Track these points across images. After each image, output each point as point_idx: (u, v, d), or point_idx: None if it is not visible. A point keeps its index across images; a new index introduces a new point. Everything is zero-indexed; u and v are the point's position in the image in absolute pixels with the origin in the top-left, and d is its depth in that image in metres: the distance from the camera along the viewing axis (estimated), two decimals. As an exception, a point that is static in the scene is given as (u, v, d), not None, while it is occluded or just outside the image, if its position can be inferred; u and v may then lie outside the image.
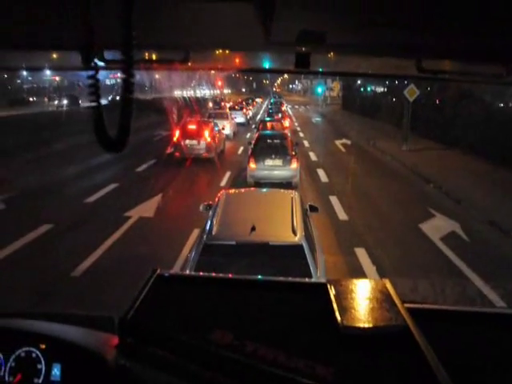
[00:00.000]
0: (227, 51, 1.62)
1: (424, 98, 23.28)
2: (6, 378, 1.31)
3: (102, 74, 0.90)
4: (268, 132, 16.59)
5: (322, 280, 1.54)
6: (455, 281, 6.51)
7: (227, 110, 27.52)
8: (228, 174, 14.04)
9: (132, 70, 0.79)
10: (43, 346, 1.32)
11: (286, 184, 11.71)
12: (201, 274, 1.88)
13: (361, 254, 7.44)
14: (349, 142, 21.84)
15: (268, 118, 24.86)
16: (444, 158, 17.11)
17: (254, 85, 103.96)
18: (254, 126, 26.25)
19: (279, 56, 1.87)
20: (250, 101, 48.35)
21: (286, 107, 41.86)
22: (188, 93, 51.31)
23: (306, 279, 3.56)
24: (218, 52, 1.61)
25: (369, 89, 46.43)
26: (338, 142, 21.90)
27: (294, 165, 12.25)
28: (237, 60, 1.89)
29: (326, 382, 1.08)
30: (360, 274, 6.54)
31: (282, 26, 1.13)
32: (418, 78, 1.63)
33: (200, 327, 1.29)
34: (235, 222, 5.03)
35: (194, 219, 7.90)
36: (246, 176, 12.42)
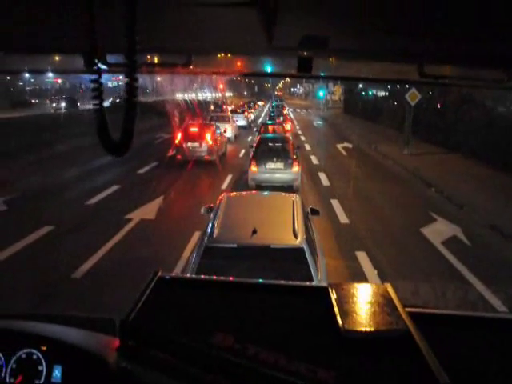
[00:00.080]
0: (229, 55, 1.62)
1: (425, 102, 23.29)
2: (7, 380, 1.31)
3: (104, 77, 0.91)
4: (269, 135, 16.60)
5: (324, 284, 1.54)
6: (456, 285, 6.50)
7: (229, 113, 27.56)
8: (229, 176, 14.05)
9: (135, 73, 0.80)
10: (44, 348, 1.32)
11: (288, 187, 11.71)
12: (202, 276, 1.87)
13: (362, 257, 7.43)
14: (350, 146, 21.84)
15: (269, 122, 24.90)
16: (445, 163, 17.11)
17: (256, 88, 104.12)
18: (255, 129, 26.27)
19: (281, 60, 1.87)
20: (252, 104, 48.44)
21: (287, 110, 41.90)
22: (190, 96, 51.40)
23: (308, 283, 3.56)
24: (220, 56, 1.62)
25: (370, 93, 46.44)
26: (339, 146, 21.90)
27: (296, 168, 12.25)
28: (238, 64, 1.89)
29: None
30: (361, 277, 6.54)
31: (285, 30, 1.13)
32: (420, 83, 1.64)
33: (201, 330, 1.29)
34: (236, 225, 5.03)
35: (195, 222, 7.90)
36: (248, 179, 12.43)
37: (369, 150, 21.01)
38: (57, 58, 1.73)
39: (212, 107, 38.30)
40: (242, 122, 29.78)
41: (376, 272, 6.80)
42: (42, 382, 1.30)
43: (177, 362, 1.20)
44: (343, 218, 9.83)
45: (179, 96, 46.99)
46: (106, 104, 0.86)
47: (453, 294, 6.04)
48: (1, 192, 10.97)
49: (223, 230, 4.71)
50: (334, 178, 14.31)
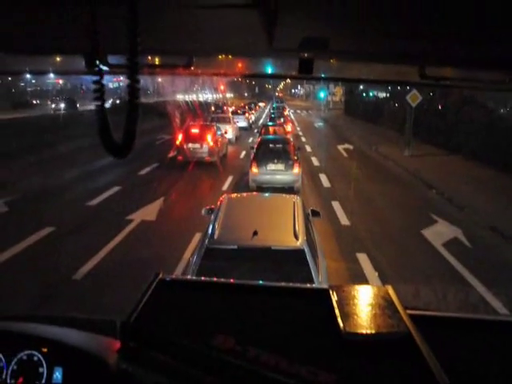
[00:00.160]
0: (230, 56, 1.63)
1: (426, 103, 23.30)
2: (8, 381, 1.31)
3: (105, 78, 0.91)
4: (270, 137, 16.60)
5: (325, 286, 1.54)
6: (457, 287, 6.50)
7: (229, 115, 27.58)
8: (230, 178, 14.05)
9: (137, 75, 0.80)
10: (45, 350, 1.32)
11: (288, 189, 11.71)
12: (203, 278, 1.87)
13: (363, 259, 7.42)
14: (351, 147, 21.85)
15: (270, 123, 24.89)
16: (446, 164, 17.11)
17: (257, 89, 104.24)
18: (256, 131, 26.29)
19: (282, 61, 1.88)
20: (253, 105, 48.48)
21: (288, 112, 41.91)
22: (190, 97, 51.47)
23: (308, 285, 3.56)
24: (221, 57, 1.62)
25: (371, 94, 46.46)
26: (340, 147, 21.91)
27: (296, 169, 12.25)
28: (239, 65, 1.90)
29: None
30: (362, 279, 6.53)
31: (286, 32, 1.13)
32: (421, 84, 1.64)
33: (202, 332, 1.29)
34: (237, 227, 5.03)
35: (196, 223, 7.90)
36: (248, 180, 12.43)
37: (369, 152, 21.01)
38: (58, 59, 1.73)
39: (213, 108, 38.35)
40: (242, 123, 29.80)
41: (377, 274, 6.79)
42: (42, 383, 1.30)
43: (178, 363, 1.19)
44: (344, 220, 9.83)
45: (180, 97, 47.07)
46: (107, 105, 0.86)
47: (453, 297, 6.04)
48: (2, 193, 10.99)
49: (224, 232, 4.71)
50: (335, 179, 14.31)
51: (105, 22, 0.82)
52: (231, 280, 1.74)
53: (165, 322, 1.37)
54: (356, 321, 1.27)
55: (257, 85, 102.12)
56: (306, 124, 37.70)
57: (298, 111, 55.87)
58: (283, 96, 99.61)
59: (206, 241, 4.57)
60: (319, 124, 38.38)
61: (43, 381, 1.30)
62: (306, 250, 4.39)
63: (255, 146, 13.40)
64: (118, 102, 30.72)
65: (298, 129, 32.51)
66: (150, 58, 1.59)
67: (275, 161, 12.32)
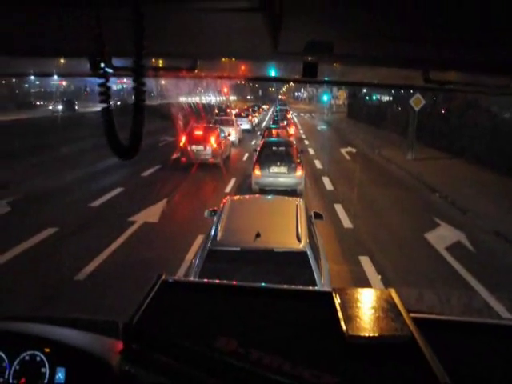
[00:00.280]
0: (233, 59, 1.63)
1: (430, 107, 23.27)
2: (11, 381, 1.31)
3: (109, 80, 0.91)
4: (273, 139, 16.60)
5: (328, 288, 1.54)
6: (460, 291, 6.47)
7: (233, 117, 27.63)
8: (233, 180, 14.06)
9: (143, 78, 0.80)
10: (47, 350, 1.33)
11: (291, 191, 11.70)
12: (206, 280, 1.87)
13: (365, 262, 7.41)
14: (354, 151, 21.83)
15: (273, 125, 24.90)
16: (449, 168, 17.07)
17: (260, 92, 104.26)
18: (259, 133, 26.32)
19: (286, 65, 1.88)
20: (257, 108, 48.54)
21: (291, 115, 41.92)
22: (194, 99, 51.55)
23: (312, 287, 3.56)
24: (225, 60, 1.63)
25: (374, 97, 46.46)
26: (343, 150, 21.89)
27: (299, 172, 12.24)
28: (243, 68, 1.90)
29: None
30: (364, 282, 6.51)
31: (290, 36, 1.14)
32: (425, 88, 1.64)
33: (204, 334, 1.29)
34: (240, 229, 5.03)
35: (199, 225, 7.90)
36: (251, 183, 12.43)
37: (372, 155, 20.98)
38: (62, 61, 1.74)
39: (216, 111, 38.42)
40: (245, 125, 29.86)
41: (380, 277, 6.78)
42: (45, 383, 1.30)
43: (180, 365, 1.20)
44: (347, 223, 9.81)
45: (183, 99, 47.15)
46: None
47: (457, 301, 6.02)
48: (4, 193, 11.02)
49: (227, 234, 4.71)
50: (338, 182, 14.30)
51: (110, 24, 0.83)
52: (234, 282, 1.74)
53: (167, 324, 1.37)
54: (359, 324, 1.27)
55: (260, 88, 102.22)
56: (309, 127, 37.70)
57: (301, 114, 55.87)
58: (286, 99, 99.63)
59: (209, 243, 4.57)
60: (322, 127, 38.37)
61: (45, 381, 1.30)
62: (309, 252, 4.38)
63: (258, 149, 13.41)
64: (118, 103, 30.66)
65: (301, 132, 32.51)
66: (153, 60, 1.60)
67: (278, 163, 12.32)
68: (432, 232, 9.21)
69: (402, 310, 1.34)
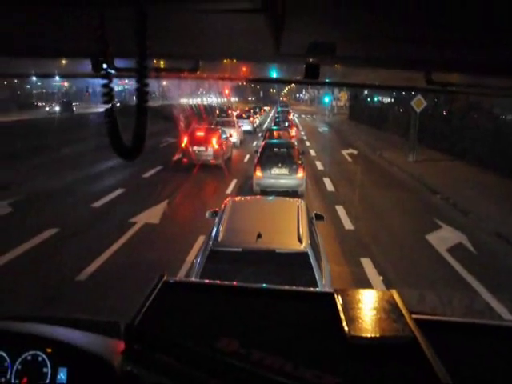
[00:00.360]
0: (235, 61, 1.63)
1: (431, 109, 23.26)
2: (13, 381, 1.31)
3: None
4: (274, 141, 16.62)
5: (330, 289, 1.54)
6: (462, 293, 6.46)
7: (234, 118, 27.65)
8: (234, 181, 14.06)
9: (146, 79, 0.81)
10: (49, 350, 1.33)
11: (292, 193, 11.70)
12: (207, 281, 1.88)
13: (367, 264, 7.40)
14: (355, 152, 21.83)
15: (275, 127, 24.92)
16: (451, 170, 17.06)
17: (261, 93, 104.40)
18: (260, 134, 26.33)
19: (288, 66, 1.88)
20: (258, 109, 48.57)
21: (292, 116, 41.94)
22: (195, 100, 51.60)
23: (313, 288, 3.55)
24: (226, 61, 1.63)
25: (376, 99, 46.49)
26: (344, 152, 21.89)
27: (301, 174, 12.25)
28: (246, 70, 1.90)
29: None
30: (366, 284, 6.51)
31: (293, 37, 1.14)
32: (427, 90, 1.64)
33: (206, 334, 1.29)
34: (241, 229, 5.03)
35: (200, 226, 7.90)
36: (252, 184, 12.43)
37: (374, 157, 20.98)
38: (64, 62, 1.74)
39: (217, 112, 38.46)
40: (247, 127, 29.89)
41: (381, 278, 6.77)
42: (46, 383, 1.30)
43: (182, 366, 1.20)
44: (348, 225, 9.81)
45: (185, 101, 47.20)
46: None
47: (458, 302, 6.01)
48: (6, 194, 11.04)
49: (228, 234, 4.71)
50: (339, 183, 14.29)
51: (112, 24, 0.83)
52: (235, 283, 1.74)
53: (169, 325, 1.37)
54: (361, 324, 1.27)
55: (261, 89, 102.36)
56: (311, 128, 37.71)
57: (303, 116, 55.90)
58: (288, 100, 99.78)
59: (210, 243, 4.57)
60: (324, 129, 38.38)
61: (47, 381, 1.30)
62: (310, 253, 4.39)
63: (259, 150, 13.41)
64: (118, 104, 30.73)
65: (303, 133, 32.51)
66: (155, 61, 1.60)
67: (279, 165, 12.32)
68: (433, 234, 9.20)
69: (404, 311, 1.34)
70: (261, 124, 38.72)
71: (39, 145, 17.57)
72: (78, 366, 1.30)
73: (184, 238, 8.25)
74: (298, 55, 1.35)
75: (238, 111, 40.43)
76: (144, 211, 10.00)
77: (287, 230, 4.90)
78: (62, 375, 1.30)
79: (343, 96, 61.12)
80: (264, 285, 1.73)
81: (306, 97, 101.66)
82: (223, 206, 5.71)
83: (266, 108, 64.10)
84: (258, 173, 12.23)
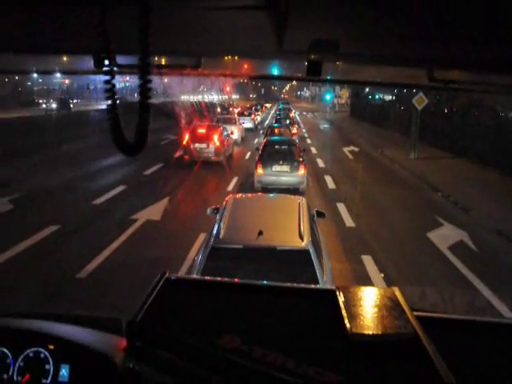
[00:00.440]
0: (236, 58, 1.63)
1: (432, 106, 23.22)
2: (15, 378, 1.32)
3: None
4: (276, 138, 16.60)
5: (331, 286, 1.54)
6: (463, 291, 6.47)
7: (235, 116, 27.63)
8: (235, 179, 14.06)
9: (149, 75, 0.81)
10: (52, 347, 1.33)
11: (293, 190, 11.70)
12: (209, 278, 1.87)
13: (368, 261, 7.40)
14: (356, 150, 21.81)
15: (276, 124, 24.89)
16: (452, 167, 17.05)
17: (263, 91, 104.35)
18: (261, 132, 26.30)
19: (289, 63, 1.88)
20: (259, 106, 48.53)
21: (294, 113, 41.90)
22: (197, 97, 51.57)
23: (315, 285, 3.56)
24: (229, 58, 1.62)
25: (377, 97, 46.40)
26: (345, 149, 21.88)
27: (302, 171, 12.25)
28: (248, 66, 1.90)
29: None
30: (367, 281, 6.51)
31: (295, 34, 1.13)
32: (429, 87, 1.63)
33: (208, 331, 1.30)
34: (242, 226, 5.04)
35: (201, 223, 7.91)
36: (254, 181, 12.44)
37: (375, 154, 20.96)
38: (65, 59, 1.74)
39: (219, 109, 38.39)
40: (248, 124, 29.88)
41: (382, 275, 6.78)
42: (49, 380, 1.31)
43: (183, 362, 1.20)
44: (349, 222, 9.81)
45: (186, 98, 47.16)
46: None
47: (459, 300, 6.01)
48: (7, 191, 11.05)
49: (229, 231, 4.71)
50: (340, 181, 14.29)
51: (114, 21, 0.83)
52: (237, 280, 1.75)
53: (171, 321, 1.37)
54: (363, 322, 1.27)
55: (263, 86, 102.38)
56: (312, 126, 37.67)
57: (304, 113, 55.82)
58: (289, 98, 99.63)
59: (212, 240, 4.58)
60: (325, 126, 38.33)
61: (49, 378, 1.31)
62: (311, 250, 4.39)
63: (261, 147, 13.41)
64: (117, 102, 30.56)
65: (304, 130, 32.48)
66: (156, 58, 1.60)
67: (280, 162, 12.32)
68: (434, 231, 9.20)
69: (406, 308, 1.34)
70: (262, 121, 38.68)
71: (37, 143, 17.57)
72: (80, 363, 1.30)
73: (185, 234, 8.25)
74: (300, 52, 1.35)
75: (240, 108, 40.38)
76: (145, 208, 10.01)
77: (288, 227, 4.90)
78: (64, 372, 1.30)
79: (344, 93, 61.01)
80: (266, 282, 1.73)
81: (308, 94, 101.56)
82: (224, 203, 5.71)
83: (268, 105, 64.15)
84: (260, 170, 12.23)
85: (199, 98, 54.70)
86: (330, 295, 1.44)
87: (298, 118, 44.02)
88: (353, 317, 1.28)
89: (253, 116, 33.35)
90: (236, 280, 1.74)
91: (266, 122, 37.20)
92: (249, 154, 19.21)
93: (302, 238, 4.57)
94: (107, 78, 0.84)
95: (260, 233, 4.50)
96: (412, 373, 1.15)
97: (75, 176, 13.52)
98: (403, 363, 1.17)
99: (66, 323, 1.49)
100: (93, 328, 1.46)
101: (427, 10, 0.94)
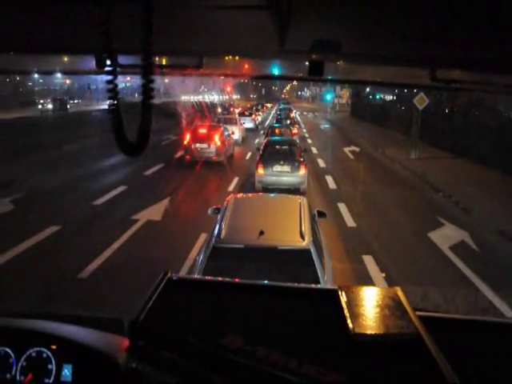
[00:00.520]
0: (237, 58, 1.63)
1: (433, 106, 23.21)
2: (18, 377, 1.32)
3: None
4: (276, 138, 16.61)
5: (334, 286, 1.54)
6: (464, 291, 6.45)
7: (236, 116, 27.63)
8: (236, 179, 14.06)
9: (151, 75, 0.80)
10: (54, 347, 1.33)
11: (294, 190, 11.70)
12: (212, 278, 1.87)
13: (369, 261, 7.40)
14: (357, 150, 21.81)
15: (277, 124, 24.89)
16: (453, 167, 17.03)
17: (263, 91, 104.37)
18: (262, 132, 26.29)
19: (290, 63, 1.87)
20: (260, 106, 48.55)
21: (294, 114, 41.88)
22: (197, 98, 51.54)
23: (318, 285, 3.56)
24: (230, 58, 1.62)
25: (378, 96, 46.37)
26: (346, 149, 21.87)
27: (303, 171, 12.25)
28: (250, 66, 1.90)
29: None
30: (368, 281, 6.51)
31: (298, 34, 1.13)
32: (432, 87, 1.63)
33: (210, 331, 1.30)
34: (244, 226, 5.04)
35: (202, 223, 7.91)
36: (254, 181, 12.44)
37: (376, 154, 20.95)
38: (66, 59, 1.74)
39: (219, 110, 38.38)
40: (249, 124, 29.87)
41: (383, 275, 6.77)
42: (51, 380, 1.31)
43: (186, 362, 1.20)
44: (350, 222, 9.80)
45: (187, 98, 47.14)
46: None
47: (461, 300, 6.00)
48: (7, 191, 11.05)
49: (231, 231, 4.72)
50: (341, 181, 14.28)
51: (116, 21, 0.83)
52: (240, 280, 1.75)
53: (173, 321, 1.37)
54: (365, 321, 1.26)
55: (263, 87, 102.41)
56: (313, 126, 37.65)
57: (305, 113, 55.82)
58: (289, 98, 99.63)
59: (213, 240, 4.58)
60: (325, 126, 38.31)
61: (52, 378, 1.31)
62: (312, 250, 4.39)
63: (261, 148, 13.41)
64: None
65: (304, 131, 32.47)
66: (157, 58, 1.59)
67: (281, 162, 12.32)
68: (436, 231, 9.19)
69: (408, 308, 1.34)
70: (263, 121, 38.67)
71: (41, 142, 17.58)
72: (83, 363, 1.30)
73: (186, 235, 8.25)
74: (302, 52, 1.35)
75: (240, 108, 40.38)
76: (146, 208, 10.01)
77: (289, 226, 4.91)
78: (67, 372, 1.30)
79: (345, 93, 61.01)
80: (268, 282, 1.73)
81: (308, 94, 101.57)
82: (225, 203, 5.71)
83: (269, 105, 64.27)
84: (260, 170, 12.23)
85: (200, 98, 54.69)
86: (333, 295, 1.44)
87: (298, 118, 44.02)
88: (355, 317, 1.28)
89: (253, 116, 33.35)
90: (238, 280, 1.74)
91: (267, 122, 37.19)
92: (250, 154, 19.21)
93: (303, 237, 4.57)
94: (109, 77, 0.84)
95: (261, 232, 4.50)
96: (415, 373, 1.15)
97: (76, 176, 13.51)
98: (406, 363, 1.17)
99: (68, 323, 1.49)
100: (95, 328, 1.46)
101: (430, 10, 0.94)
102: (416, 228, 9.50)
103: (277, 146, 13.26)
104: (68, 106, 39.22)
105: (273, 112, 52.09)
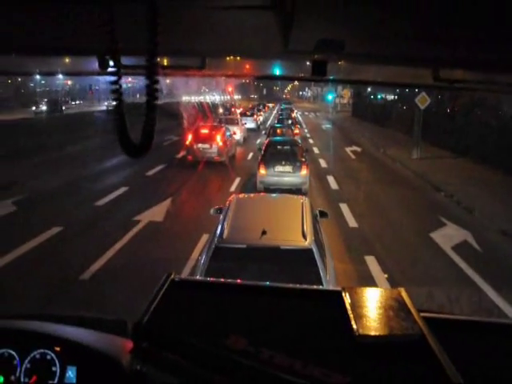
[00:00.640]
0: (238, 58, 1.63)
1: (435, 106, 23.18)
2: (22, 379, 1.32)
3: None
4: (278, 138, 16.60)
5: (337, 288, 1.53)
6: (467, 291, 6.44)
7: (238, 116, 27.64)
8: (238, 179, 14.05)
9: (156, 76, 0.80)
10: (58, 349, 1.33)
11: (296, 190, 11.69)
12: (215, 279, 1.87)
13: (371, 261, 7.39)
14: (359, 149, 21.79)
15: (278, 125, 24.88)
16: (455, 167, 17.01)
17: (265, 91, 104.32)
18: (264, 132, 26.28)
19: (292, 63, 1.87)
20: (262, 106, 48.53)
21: (296, 114, 41.87)
22: (199, 98, 51.56)
23: (322, 286, 3.55)
24: (232, 59, 1.62)
25: (379, 96, 46.34)
26: (347, 149, 21.85)
27: (304, 171, 12.24)
28: (253, 67, 1.90)
29: None
30: (370, 282, 6.50)
31: (302, 34, 1.13)
32: (434, 87, 1.63)
33: (214, 332, 1.29)
34: (246, 226, 5.04)
35: (204, 224, 7.91)
36: (256, 182, 12.43)
37: (377, 154, 20.93)
38: (67, 60, 1.74)
39: (221, 110, 38.38)
40: (251, 124, 29.87)
41: (385, 276, 6.76)
42: (55, 382, 1.30)
43: (190, 364, 1.20)
44: (352, 222, 9.79)
45: (188, 98, 47.16)
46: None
47: (464, 301, 5.98)
48: (10, 193, 11.06)
49: (233, 231, 4.72)
50: (343, 181, 14.27)
51: (120, 21, 0.83)
52: (244, 281, 1.74)
53: (177, 323, 1.37)
54: (369, 323, 1.26)
55: (265, 87, 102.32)
56: (314, 126, 37.64)
57: (306, 113, 55.80)
58: (291, 98, 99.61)
59: (215, 240, 4.58)
60: (327, 126, 38.28)
61: (56, 379, 1.31)
62: (315, 249, 4.39)
63: (263, 148, 13.40)
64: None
65: (306, 131, 32.46)
66: (159, 59, 1.59)
67: (283, 162, 12.31)
68: (438, 231, 9.18)
69: (412, 309, 1.34)
70: (264, 121, 38.67)
71: (43, 143, 17.62)
72: (87, 365, 1.30)
73: (188, 235, 8.25)
74: (306, 52, 1.35)
75: (242, 109, 40.39)
76: (148, 209, 10.01)
77: (291, 226, 4.91)
78: (71, 374, 1.30)
79: (346, 93, 61.02)
80: (272, 283, 1.72)
81: (309, 94, 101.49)
82: (228, 203, 5.71)
83: (270, 105, 64.34)
84: (262, 170, 12.23)
85: (202, 98, 54.72)
86: (336, 296, 1.43)
87: (299, 118, 44.02)
88: (359, 318, 1.28)
89: (255, 116, 33.36)
90: (242, 281, 1.74)
91: (268, 123, 37.18)
92: (251, 154, 19.20)
93: (305, 237, 4.57)
94: (113, 78, 0.84)
95: (263, 232, 4.50)
96: (419, 374, 1.14)
97: (78, 177, 13.51)
98: (410, 364, 1.17)
99: (72, 325, 1.49)
100: (98, 330, 1.46)
101: (433, 10, 0.93)
102: (418, 228, 9.49)
103: (278, 147, 13.25)
104: (63, 108, 38.95)
105: (274, 112, 52.09)
